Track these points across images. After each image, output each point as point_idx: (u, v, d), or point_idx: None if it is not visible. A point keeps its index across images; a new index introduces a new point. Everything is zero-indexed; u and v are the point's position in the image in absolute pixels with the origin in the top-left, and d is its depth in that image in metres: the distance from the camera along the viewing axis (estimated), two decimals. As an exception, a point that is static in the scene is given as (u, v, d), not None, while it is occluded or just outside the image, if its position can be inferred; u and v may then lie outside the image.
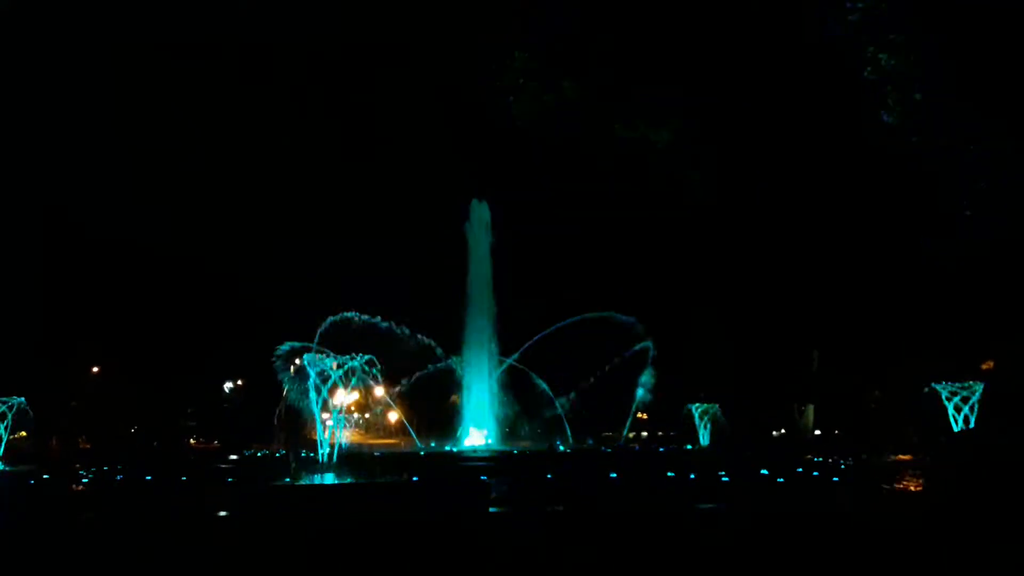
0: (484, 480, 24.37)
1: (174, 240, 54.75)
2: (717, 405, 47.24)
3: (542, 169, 41.74)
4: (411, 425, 46.83)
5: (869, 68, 23.30)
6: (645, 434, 58.66)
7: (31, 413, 38.69)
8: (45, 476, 28.92)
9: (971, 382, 37.82)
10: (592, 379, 44.74)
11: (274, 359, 34.62)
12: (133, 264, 54.23)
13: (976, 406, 36.88)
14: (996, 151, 21.89)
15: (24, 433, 44.14)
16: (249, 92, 53.90)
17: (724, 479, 26.00)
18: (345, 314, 37.15)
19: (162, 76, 52.19)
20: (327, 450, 30.61)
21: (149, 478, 28.14)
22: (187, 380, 56.87)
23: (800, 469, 29.15)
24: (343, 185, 55.63)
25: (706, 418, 47.10)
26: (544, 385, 44.36)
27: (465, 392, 44.70)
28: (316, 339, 34.17)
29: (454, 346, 45.39)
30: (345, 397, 33.65)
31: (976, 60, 21.08)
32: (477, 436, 42.93)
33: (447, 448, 40.90)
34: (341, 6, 50.25)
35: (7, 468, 33.76)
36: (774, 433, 55.60)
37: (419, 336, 42.81)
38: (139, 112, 52.53)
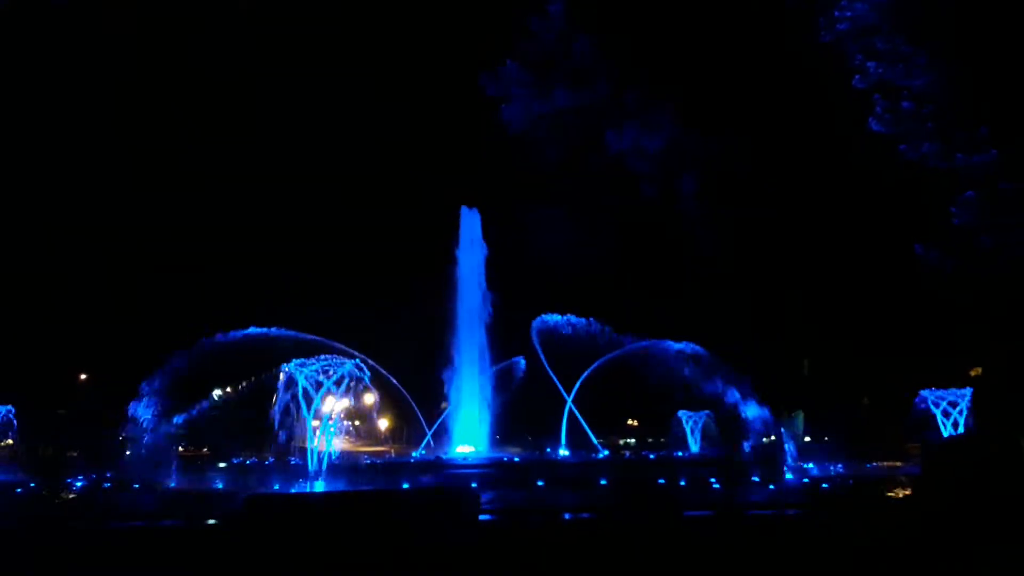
0: (474, 488, 24.30)
1: (165, 247, 54.58)
2: (707, 412, 47.21)
3: (535, 177, 41.79)
4: (402, 432, 46.64)
5: (858, 76, 23.53)
6: (632, 441, 58.64)
7: (16, 422, 38.30)
8: (32, 485, 28.67)
9: (959, 388, 37.97)
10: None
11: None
12: (121, 270, 53.94)
13: (964, 412, 37.04)
14: (984, 160, 22.08)
15: (11, 441, 43.72)
16: (246, 99, 53.74)
17: (715, 486, 26.05)
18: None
19: (160, 76, 52.20)
20: (317, 457, 30.45)
21: (136, 486, 27.96)
22: (176, 386, 56.38)
23: (790, 476, 29.23)
24: (336, 193, 55.66)
25: (696, 425, 47.08)
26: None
27: (455, 398, 44.47)
28: None
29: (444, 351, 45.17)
30: (335, 404, 33.46)
31: (967, 69, 21.26)
32: (468, 443, 42.73)
33: (437, 455, 40.70)
34: (337, 13, 50.44)
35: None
36: (764, 440, 55.65)
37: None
38: (135, 115, 52.43)
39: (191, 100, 53.15)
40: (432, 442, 44.26)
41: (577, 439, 43.68)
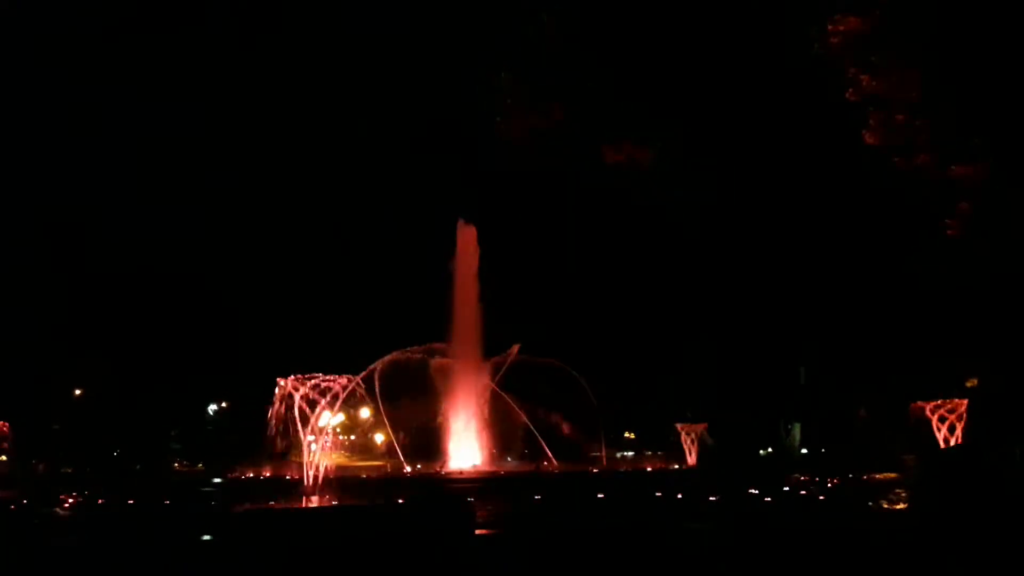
0: (470, 502, 24.18)
1: (158, 262, 54.54)
2: (704, 424, 47.20)
3: (529, 191, 41.80)
4: (397, 446, 46.52)
5: (851, 89, 23.63)
6: (631, 454, 58.59)
7: (12, 437, 38.13)
8: (25, 501, 28.44)
9: (955, 399, 38.00)
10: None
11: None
12: (116, 285, 53.84)
13: (961, 422, 37.05)
14: (977, 172, 22.18)
15: (4, 458, 43.55)
16: (246, 114, 53.87)
17: (712, 498, 25.97)
18: None
19: (164, 84, 52.36)
20: (312, 473, 30.35)
21: (131, 502, 27.79)
22: (171, 402, 56.30)
23: (787, 488, 29.13)
24: (330, 206, 55.74)
25: (693, 437, 47.03)
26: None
27: (451, 413, 44.36)
28: None
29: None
30: (330, 419, 33.40)
31: (959, 83, 21.37)
32: (464, 457, 42.66)
33: (434, 470, 40.64)
34: (336, 24, 50.62)
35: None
36: (761, 452, 55.60)
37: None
38: (133, 122, 52.50)
39: (192, 115, 53.23)
40: (428, 456, 44.14)
41: (573, 452, 43.68)
